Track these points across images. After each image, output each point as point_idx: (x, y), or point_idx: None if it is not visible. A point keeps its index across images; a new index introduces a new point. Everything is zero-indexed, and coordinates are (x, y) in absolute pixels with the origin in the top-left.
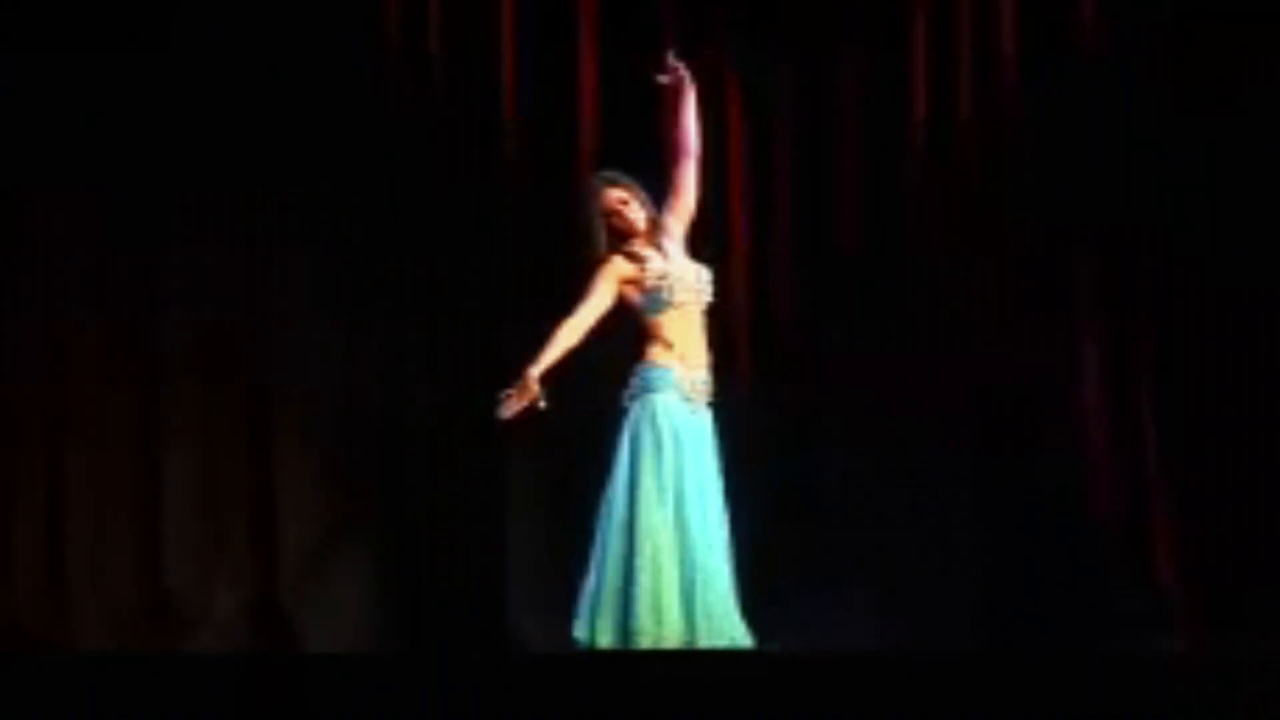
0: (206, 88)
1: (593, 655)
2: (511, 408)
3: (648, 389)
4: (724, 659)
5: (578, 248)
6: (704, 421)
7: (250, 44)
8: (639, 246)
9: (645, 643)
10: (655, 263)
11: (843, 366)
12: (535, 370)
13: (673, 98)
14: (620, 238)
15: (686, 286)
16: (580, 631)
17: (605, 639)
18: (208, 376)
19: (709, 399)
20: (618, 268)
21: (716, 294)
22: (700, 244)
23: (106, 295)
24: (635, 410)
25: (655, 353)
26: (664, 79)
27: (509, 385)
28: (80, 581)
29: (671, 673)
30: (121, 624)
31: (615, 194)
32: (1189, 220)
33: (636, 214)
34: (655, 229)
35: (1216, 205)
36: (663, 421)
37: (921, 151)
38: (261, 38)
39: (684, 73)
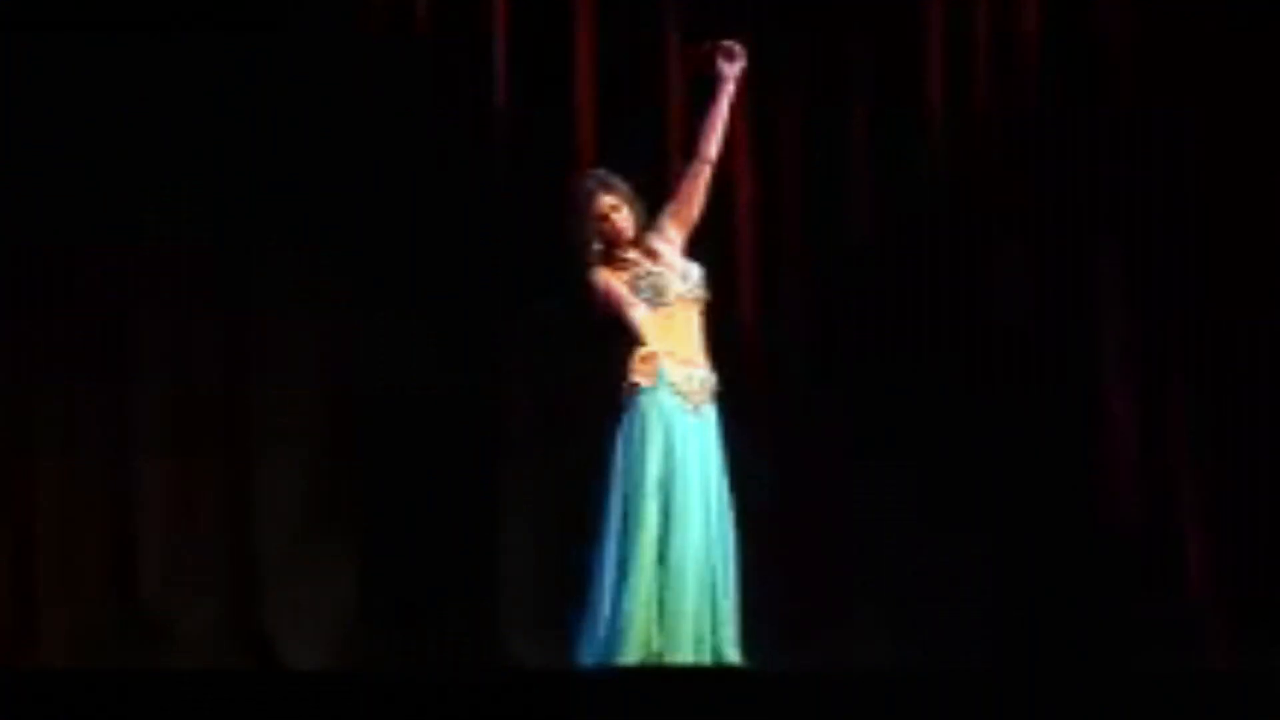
0: (186, 77)
1: (589, 669)
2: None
3: (635, 394)
4: (726, 676)
5: (568, 246)
6: (703, 421)
7: (231, 29)
8: (626, 252)
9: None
10: (643, 267)
11: (854, 366)
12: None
13: (715, 92)
14: (608, 244)
15: (675, 288)
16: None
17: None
18: (182, 381)
19: (710, 398)
20: (605, 278)
21: (712, 290)
22: (705, 238)
23: (76, 297)
24: (624, 419)
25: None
26: (711, 67)
27: (512, 386)
28: (50, 594)
29: (672, 689)
30: (92, 639)
31: (607, 200)
32: (1221, 209)
33: (625, 221)
34: (646, 233)
35: (1249, 193)
36: (651, 430)
37: (937, 138)
38: (242, 22)
39: (730, 68)
